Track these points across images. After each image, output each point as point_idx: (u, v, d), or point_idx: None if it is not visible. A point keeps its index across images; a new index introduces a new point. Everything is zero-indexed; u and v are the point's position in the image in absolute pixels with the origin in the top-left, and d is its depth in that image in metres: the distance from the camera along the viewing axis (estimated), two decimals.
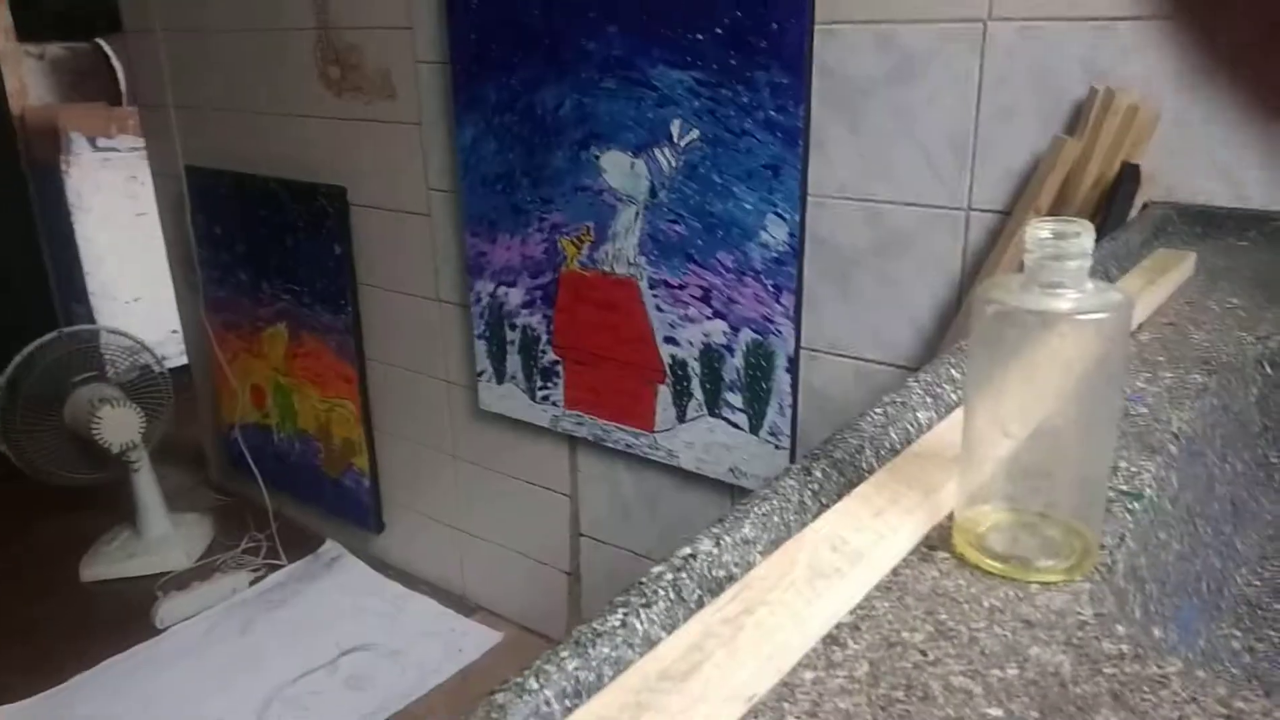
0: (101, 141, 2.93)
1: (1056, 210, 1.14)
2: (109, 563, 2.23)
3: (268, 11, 1.96)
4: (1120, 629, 0.39)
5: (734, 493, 1.58)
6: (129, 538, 2.29)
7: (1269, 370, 0.74)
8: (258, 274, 2.20)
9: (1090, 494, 0.44)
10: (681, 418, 1.56)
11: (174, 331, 2.67)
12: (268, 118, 2.06)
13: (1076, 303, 0.40)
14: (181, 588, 2.10)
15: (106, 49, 3.17)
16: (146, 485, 2.26)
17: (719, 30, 1.33)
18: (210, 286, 2.33)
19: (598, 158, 1.52)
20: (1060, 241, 0.39)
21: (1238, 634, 0.56)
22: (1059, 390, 0.41)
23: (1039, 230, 0.40)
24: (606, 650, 0.37)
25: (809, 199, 1.35)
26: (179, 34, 2.18)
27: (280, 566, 2.22)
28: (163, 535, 2.28)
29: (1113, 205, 1.07)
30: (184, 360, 2.57)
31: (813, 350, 1.42)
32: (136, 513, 2.27)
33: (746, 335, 1.44)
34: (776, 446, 1.46)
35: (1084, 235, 0.40)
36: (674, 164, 1.43)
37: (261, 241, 2.15)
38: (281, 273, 2.14)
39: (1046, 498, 0.44)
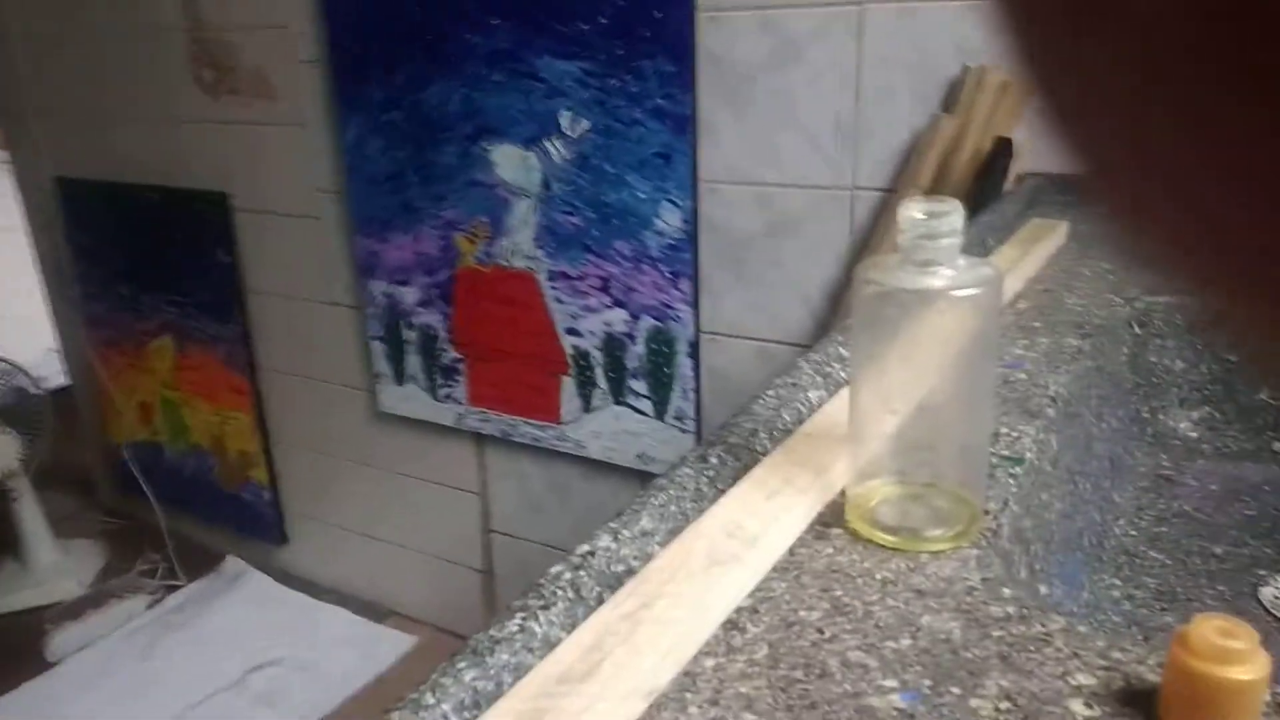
0: None
1: (937, 185, 1.18)
2: None
3: (130, 11, 1.87)
4: (1007, 591, 0.40)
5: (643, 479, 1.58)
6: (15, 569, 2.17)
7: (1138, 330, 0.78)
8: (138, 287, 2.10)
9: (973, 463, 0.45)
10: (587, 408, 1.56)
11: (51, 350, 2.53)
12: (140, 124, 1.96)
13: (950, 280, 0.41)
14: (74, 617, 1.99)
15: None
16: (30, 513, 2.14)
17: (604, 20, 1.32)
18: (89, 302, 2.21)
19: (488, 151, 1.49)
20: (932, 221, 0.40)
21: (1118, 583, 0.59)
22: (938, 365, 0.42)
23: (911, 210, 0.41)
24: (505, 657, 0.36)
25: (701, 185, 1.36)
26: (37, 38, 2.06)
27: (179, 587, 2.13)
28: (51, 564, 2.17)
29: (989, 178, 1.11)
30: (64, 380, 2.43)
31: (712, 334, 1.43)
32: (20, 542, 2.15)
33: (647, 322, 1.45)
34: (682, 430, 1.47)
35: (954, 214, 0.41)
36: (566, 155, 1.42)
37: (141, 253, 2.05)
38: (164, 284, 2.05)
39: (932, 469, 0.45)
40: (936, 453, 0.44)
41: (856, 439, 0.45)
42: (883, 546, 0.44)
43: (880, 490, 0.45)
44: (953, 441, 0.44)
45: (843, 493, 0.47)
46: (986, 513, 0.46)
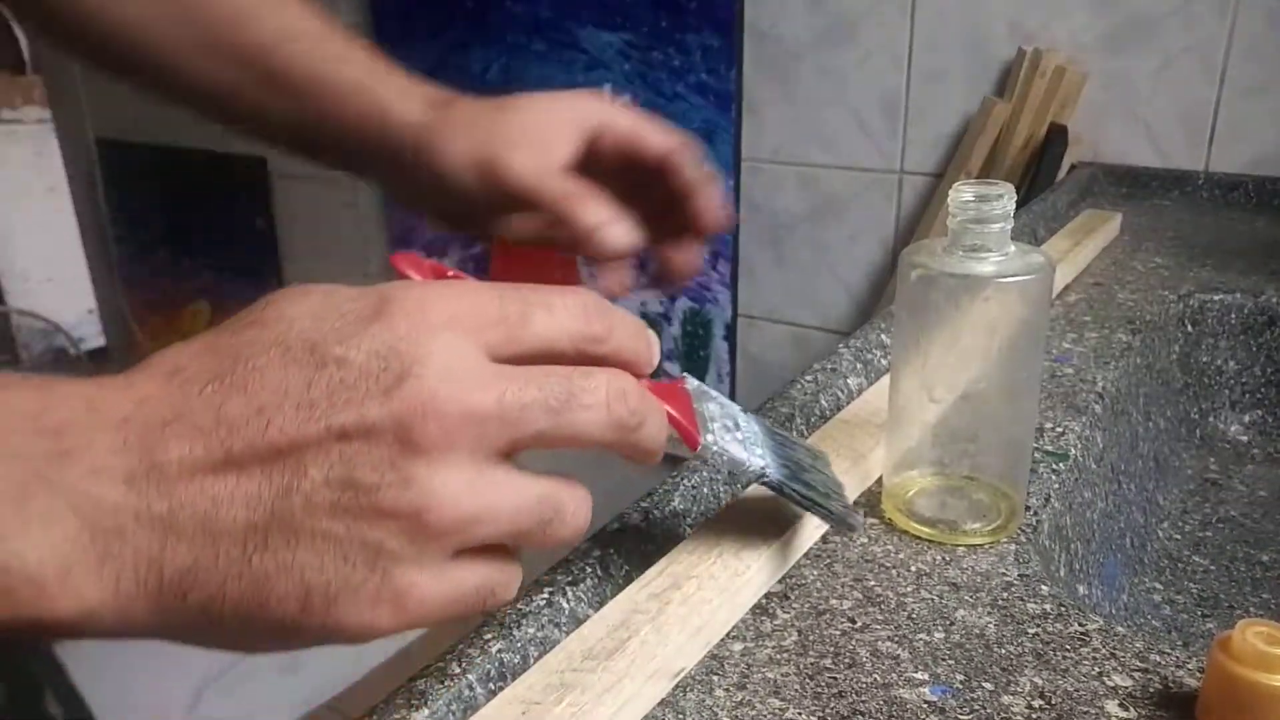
0: (6, 113, 2.80)
1: (987, 172, 1.15)
2: None
3: None
4: (1045, 589, 0.39)
5: (675, 461, 1.58)
6: None
7: (1190, 328, 0.76)
8: (177, 251, 2.12)
9: (1015, 456, 0.44)
10: None
11: (90, 311, 2.58)
12: None
13: (999, 266, 0.39)
14: None
15: (6, 13, 3.02)
16: None
17: None
18: (127, 264, 2.25)
19: None
20: (982, 204, 0.39)
21: (1159, 587, 0.58)
22: (984, 354, 0.41)
23: (961, 193, 0.39)
24: (532, 631, 0.36)
25: (743, 163, 1.34)
26: None
27: None
28: None
29: (1041, 167, 1.08)
30: (102, 342, 2.48)
31: (750, 317, 1.42)
32: None
33: (683, 303, 1.44)
34: None
35: (1005, 197, 0.39)
36: None
37: (179, 216, 2.08)
38: (201, 249, 2.07)
39: (973, 461, 0.44)
40: (978, 444, 0.43)
41: (895, 427, 0.44)
42: (918, 538, 0.43)
43: (918, 481, 0.44)
44: (995, 433, 0.43)
45: (879, 481, 0.46)
46: (1027, 508, 0.45)
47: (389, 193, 0.53)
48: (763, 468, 0.36)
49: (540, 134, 0.47)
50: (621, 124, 0.49)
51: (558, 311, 0.27)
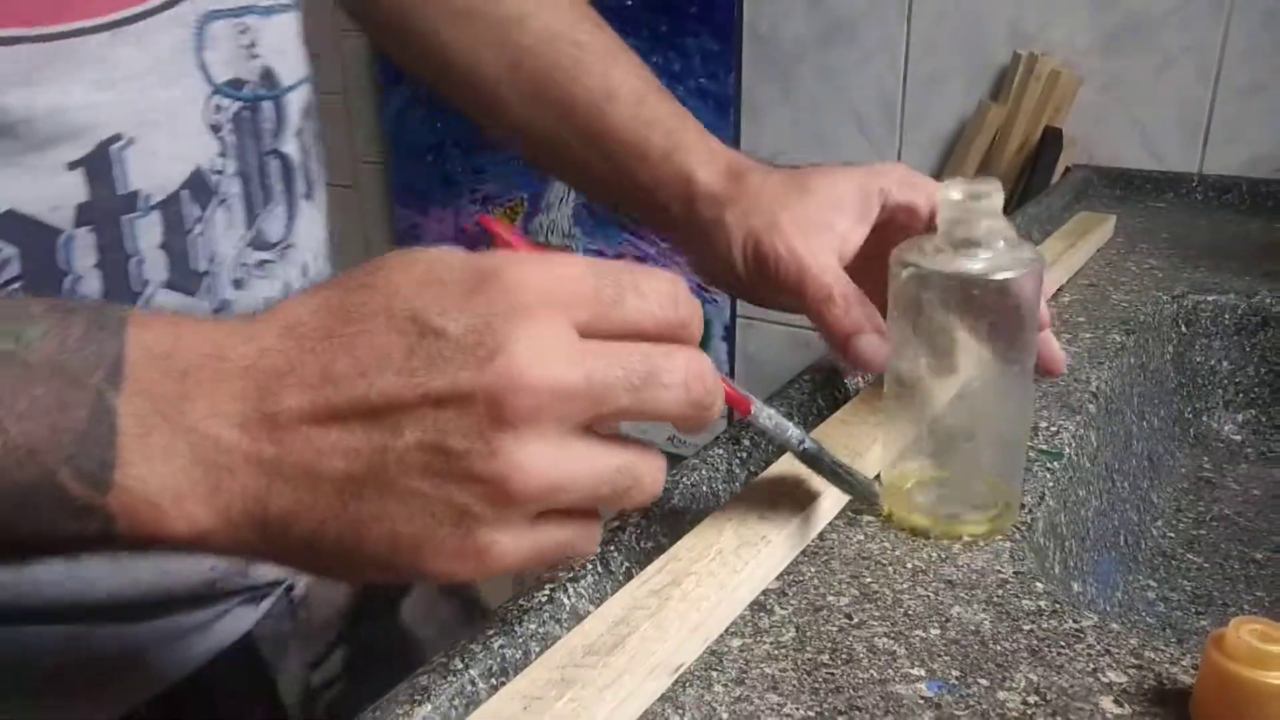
0: None
1: (984, 174, 1.16)
2: None
3: None
4: (1039, 586, 0.40)
5: (674, 461, 1.58)
6: None
7: (1184, 329, 0.76)
8: None
9: (1011, 449, 0.44)
10: None
11: None
12: None
13: (989, 262, 0.39)
14: None
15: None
16: None
17: None
18: None
19: None
20: (971, 201, 0.39)
21: (1153, 585, 0.58)
22: (977, 350, 0.41)
23: (950, 191, 0.39)
24: (533, 626, 0.36)
25: None
26: None
27: None
28: None
29: (1036, 169, 1.09)
30: None
31: (748, 318, 1.43)
32: None
33: None
34: None
35: (995, 195, 0.39)
36: None
37: None
38: None
39: (969, 456, 0.44)
40: (974, 440, 0.44)
41: (891, 424, 0.45)
42: (915, 533, 0.44)
43: (916, 475, 0.45)
44: (991, 429, 0.43)
45: (877, 477, 0.47)
46: (1022, 506, 0.45)
47: (689, 257, 0.53)
48: (803, 438, 0.39)
49: (819, 220, 0.46)
50: (902, 199, 0.48)
51: (649, 296, 0.28)
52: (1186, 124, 1.08)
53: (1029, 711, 0.33)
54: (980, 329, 0.41)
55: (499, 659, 0.35)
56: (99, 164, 0.37)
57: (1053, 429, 0.54)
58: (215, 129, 0.41)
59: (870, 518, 0.45)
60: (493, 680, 0.34)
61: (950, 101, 1.19)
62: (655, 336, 0.28)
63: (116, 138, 0.37)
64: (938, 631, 0.37)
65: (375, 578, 0.29)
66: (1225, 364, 0.76)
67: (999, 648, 0.36)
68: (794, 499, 0.43)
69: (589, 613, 0.36)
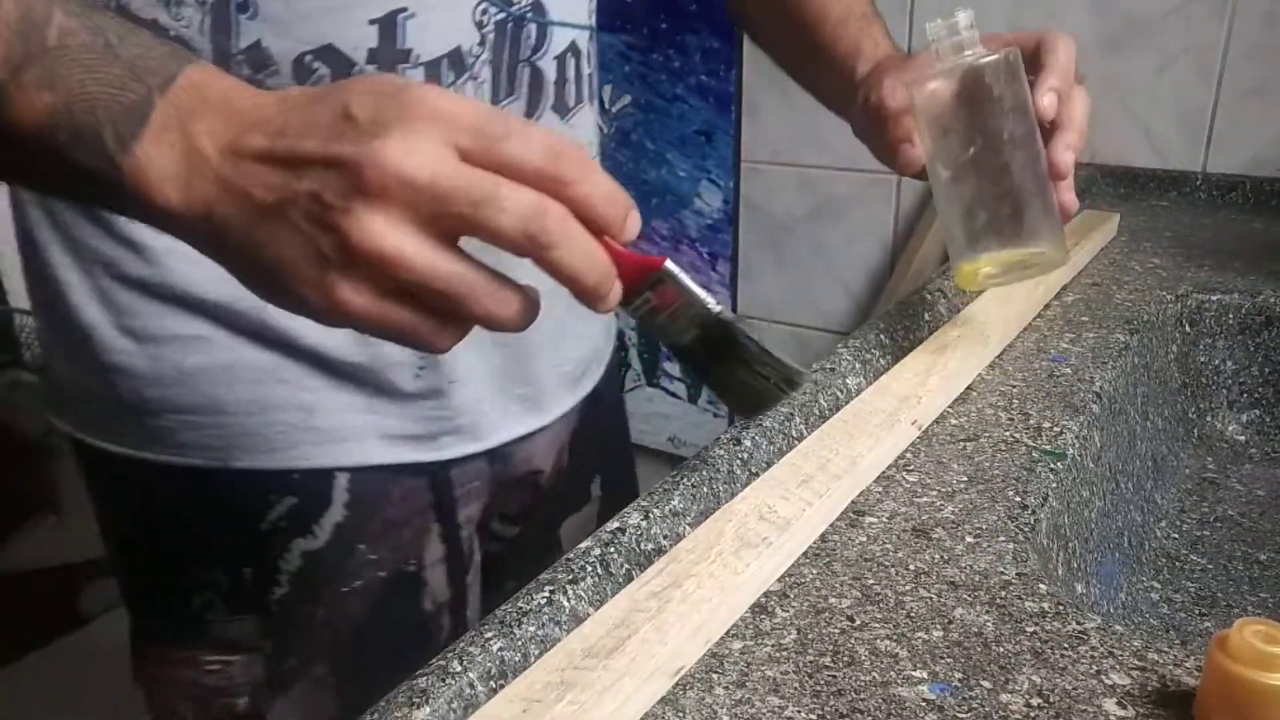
0: None
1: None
2: (30, 551, 2.16)
3: None
4: (1043, 587, 0.40)
5: (674, 462, 1.58)
6: (51, 525, 2.22)
7: (1188, 328, 0.76)
8: None
9: (1040, 198, 0.53)
10: (620, 388, 1.56)
11: None
12: None
13: (978, 54, 0.52)
14: (109, 574, 2.04)
15: None
16: (68, 469, 2.19)
17: None
18: None
19: None
20: (951, 20, 0.52)
21: (1157, 586, 0.58)
22: (985, 126, 0.52)
23: (929, 24, 0.53)
24: (533, 629, 0.36)
25: (743, 165, 1.35)
26: None
27: None
28: (87, 521, 2.21)
29: None
30: None
31: (749, 318, 1.42)
32: (57, 499, 2.20)
33: None
34: (715, 415, 1.47)
35: (965, 13, 0.53)
36: (605, 131, 1.42)
37: None
38: None
39: (1010, 218, 0.53)
40: (1012, 201, 0.53)
41: (941, 216, 0.55)
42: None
43: (983, 263, 0.54)
44: (1012, 182, 0.53)
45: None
46: (1025, 508, 0.45)
47: (851, 122, 0.67)
48: (719, 307, 0.39)
49: (908, 75, 0.58)
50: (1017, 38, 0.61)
51: (534, 145, 0.33)
52: (1189, 123, 1.07)
53: (1032, 714, 0.33)
54: (981, 107, 0.52)
55: (498, 661, 0.34)
56: (388, 24, 0.51)
57: (1056, 429, 0.53)
58: (479, 25, 0.54)
59: (872, 518, 0.45)
60: (491, 683, 0.34)
61: None
62: (530, 183, 0.33)
63: (404, 9, 0.51)
64: (940, 633, 0.37)
65: (268, 294, 0.35)
66: (1229, 364, 0.76)
67: (1002, 650, 0.36)
68: (795, 500, 0.43)
69: (588, 615, 0.36)
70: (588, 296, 0.35)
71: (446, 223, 0.32)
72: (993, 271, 0.55)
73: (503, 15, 0.55)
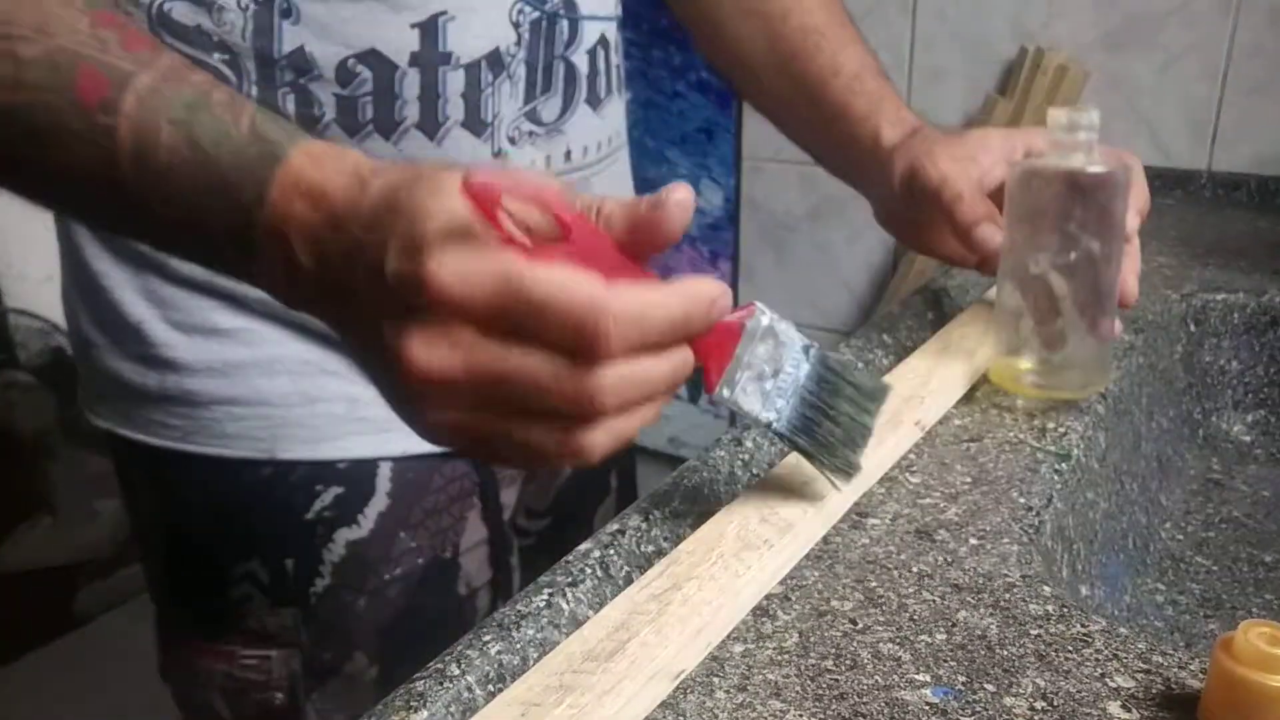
0: None
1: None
2: (27, 551, 2.16)
3: None
4: (1047, 589, 0.39)
5: (675, 463, 1.58)
6: (48, 527, 2.22)
7: (1193, 328, 0.76)
8: None
9: (1100, 324, 0.52)
10: None
11: None
12: None
13: (1085, 161, 0.49)
14: (105, 575, 2.04)
15: None
16: (64, 472, 2.19)
17: None
18: None
19: None
20: (1074, 116, 0.49)
21: (1162, 588, 0.58)
22: (1094, 234, 0.50)
23: (1057, 114, 0.49)
24: (531, 632, 0.36)
25: (744, 163, 1.34)
26: None
27: None
28: (83, 522, 2.21)
29: None
30: None
31: None
32: (54, 500, 2.20)
33: None
34: (716, 416, 1.47)
35: (1093, 114, 0.49)
36: None
37: None
38: None
39: (1065, 336, 0.52)
40: (1067, 316, 0.52)
41: (1002, 316, 0.53)
42: (1021, 395, 0.54)
43: (1024, 362, 0.54)
44: (1082, 316, 0.52)
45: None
46: (1029, 509, 0.45)
47: (872, 203, 0.64)
48: (770, 421, 0.39)
49: (965, 153, 0.56)
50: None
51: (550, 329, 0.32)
52: (1194, 121, 1.07)
53: (1036, 717, 0.32)
54: (1077, 222, 0.50)
55: (496, 665, 0.34)
56: (430, 27, 0.52)
57: (1060, 430, 0.53)
58: (516, 25, 0.55)
59: (875, 520, 0.44)
60: (490, 687, 0.34)
61: (956, 96, 1.18)
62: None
63: (444, 12, 0.52)
64: (943, 636, 0.37)
65: (364, 369, 0.36)
66: (1235, 363, 0.75)
67: (1006, 652, 0.36)
68: (798, 501, 0.43)
69: (588, 618, 0.36)
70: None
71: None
72: (1037, 378, 0.54)
73: (537, 15, 0.56)
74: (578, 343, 0.31)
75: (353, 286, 0.33)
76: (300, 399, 0.56)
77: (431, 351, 0.31)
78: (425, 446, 0.58)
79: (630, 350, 0.32)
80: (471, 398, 0.32)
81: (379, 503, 0.58)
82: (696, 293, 0.34)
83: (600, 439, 0.33)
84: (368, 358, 0.36)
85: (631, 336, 0.32)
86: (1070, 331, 0.52)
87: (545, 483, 0.69)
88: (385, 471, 0.58)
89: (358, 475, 0.58)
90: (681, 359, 0.35)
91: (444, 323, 0.31)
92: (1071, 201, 0.50)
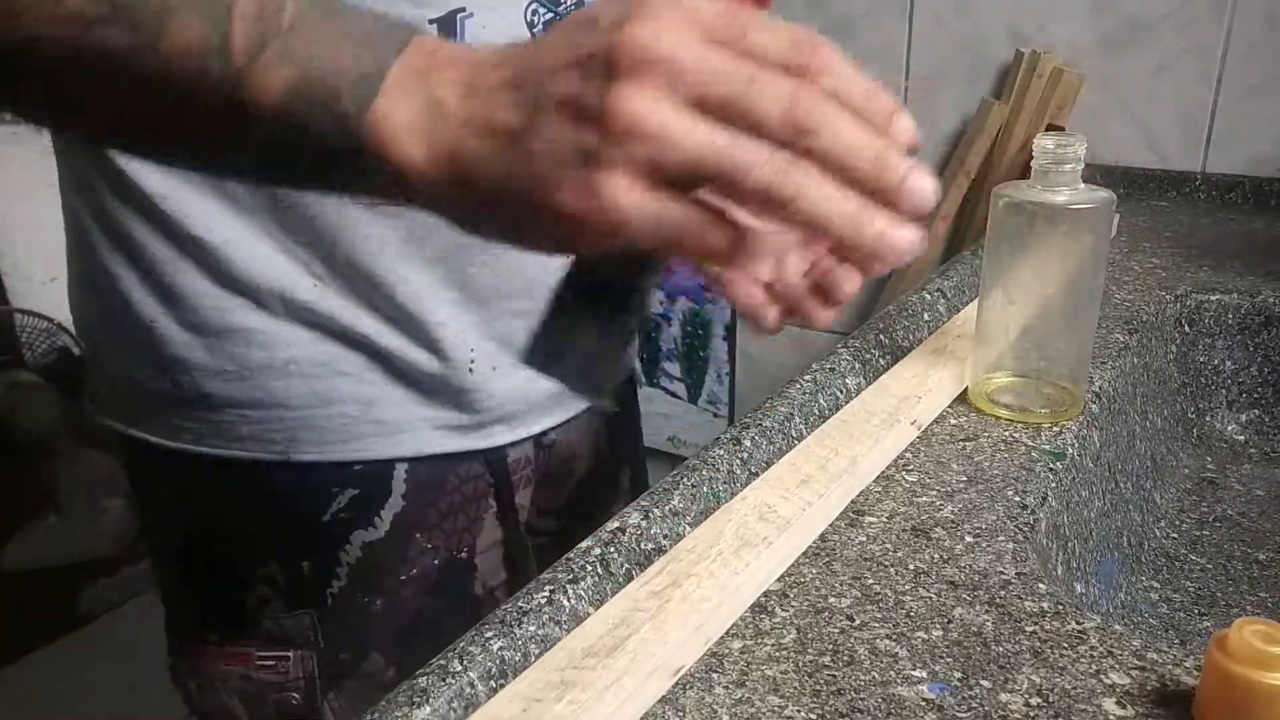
0: (8, 115, 2.79)
1: (984, 173, 1.15)
2: (32, 550, 2.16)
3: None
4: (1042, 587, 0.40)
5: (674, 462, 1.58)
6: (52, 526, 2.22)
7: (1187, 328, 0.76)
8: None
9: (1079, 355, 0.54)
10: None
11: None
12: None
13: (1071, 197, 0.49)
14: (109, 574, 2.04)
15: None
16: (69, 471, 2.19)
17: None
18: None
19: None
20: (1059, 149, 0.49)
21: (1156, 586, 0.58)
22: (1056, 271, 0.51)
23: (1044, 141, 0.49)
24: (533, 628, 0.36)
25: None
26: None
27: None
28: (88, 522, 2.21)
29: None
30: None
31: None
32: (58, 500, 2.20)
33: (683, 304, 1.44)
34: (715, 415, 1.47)
35: (1078, 145, 0.49)
36: None
37: None
38: None
39: (1043, 362, 0.54)
40: (1048, 348, 0.53)
41: (982, 333, 0.54)
42: (998, 418, 0.54)
43: (999, 380, 0.55)
44: (1062, 337, 0.53)
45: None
46: (1024, 507, 0.45)
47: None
48: None
49: None
50: None
51: (780, 35, 0.32)
52: (1189, 123, 1.07)
53: (1031, 713, 0.33)
54: (1059, 252, 0.50)
55: (498, 661, 0.34)
56: (448, 23, 0.53)
57: (1055, 429, 0.53)
58: (530, 26, 0.56)
59: (872, 518, 0.45)
60: (491, 682, 0.34)
61: (952, 99, 1.19)
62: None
63: (462, 9, 0.53)
64: (940, 633, 0.37)
65: (521, 233, 0.34)
66: (1228, 364, 0.76)
67: (1001, 649, 0.36)
68: (795, 500, 0.43)
69: (589, 614, 0.36)
70: (869, 182, 0.32)
71: (707, 107, 0.30)
72: (1009, 398, 0.55)
73: (551, 16, 0.56)
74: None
75: (508, 113, 0.32)
76: (315, 401, 0.56)
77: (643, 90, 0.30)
78: (440, 447, 0.59)
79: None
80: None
81: (394, 504, 0.58)
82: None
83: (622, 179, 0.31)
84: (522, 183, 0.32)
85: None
86: (1064, 358, 0.53)
87: (558, 483, 0.69)
88: (400, 473, 0.58)
89: (373, 477, 0.58)
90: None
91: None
92: (1070, 235, 0.50)
